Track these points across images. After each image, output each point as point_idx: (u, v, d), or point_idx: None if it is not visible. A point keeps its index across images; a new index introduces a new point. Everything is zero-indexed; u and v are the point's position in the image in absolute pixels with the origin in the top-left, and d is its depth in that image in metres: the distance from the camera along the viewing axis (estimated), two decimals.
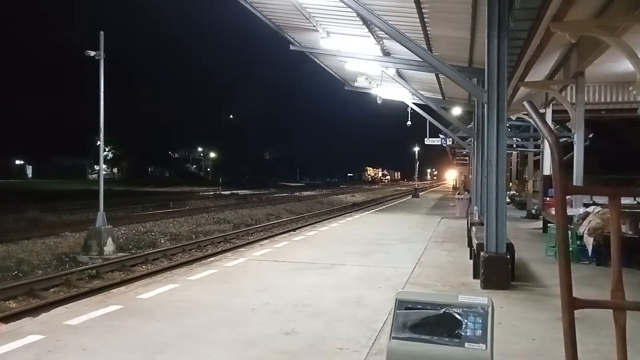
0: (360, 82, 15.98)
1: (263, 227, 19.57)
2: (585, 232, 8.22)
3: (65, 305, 5.70)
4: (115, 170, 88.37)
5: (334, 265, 8.11)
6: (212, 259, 9.60)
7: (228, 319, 4.97)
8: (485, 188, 6.93)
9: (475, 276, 6.92)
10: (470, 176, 25.31)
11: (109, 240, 12.83)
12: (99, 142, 14.85)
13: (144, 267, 11.55)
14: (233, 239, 16.24)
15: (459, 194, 23.03)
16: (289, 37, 12.98)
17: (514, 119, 19.23)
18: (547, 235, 9.92)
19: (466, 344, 2.11)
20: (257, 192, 48.24)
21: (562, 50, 11.45)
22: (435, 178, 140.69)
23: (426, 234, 12.58)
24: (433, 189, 70.62)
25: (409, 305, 2.27)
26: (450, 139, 23.91)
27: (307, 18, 10.80)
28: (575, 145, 11.98)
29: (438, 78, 15.50)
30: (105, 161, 51.98)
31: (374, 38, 11.76)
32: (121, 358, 3.93)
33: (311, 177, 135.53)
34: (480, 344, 2.10)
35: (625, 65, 10.62)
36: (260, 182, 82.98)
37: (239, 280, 6.90)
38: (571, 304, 1.42)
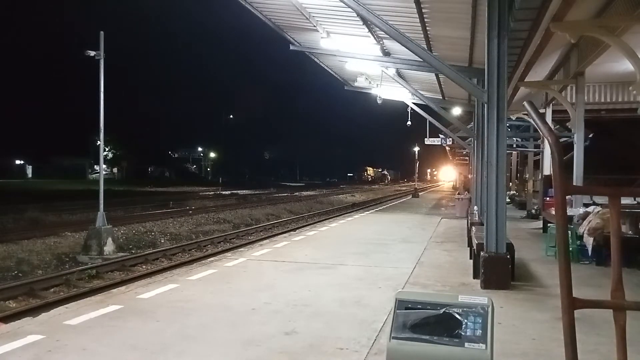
0: (360, 82, 15.99)
1: (263, 227, 19.56)
2: (585, 232, 8.21)
3: (65, 305, 5.69)
4: (115, 170, 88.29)
5: (334, 265, 8.12)
6: (212, 259, 9.59)
7: (228, 319, 4.97)
8: (485, 188, 6.92)
9: (475, 276, 6.92)
10: (470, 176, 25.32)
11: (109, 240, 12.83)
12: (99, 142, 14.85)
13: (144, 267, 11.54)
14: (233, 239, 16.23)
15: (459, 193, 23.04)
16: (289, 37, 12.98)
17: (514, 119, 19.23)
18: (547, 235, 9.92)
19: (466, 344, 2.11)
20: (257, 192, 48.23)
21: (562, 50, 11.45)
22: (435, 178, 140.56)
23: (426, 234, 12.58)
24: (433, 189, 70.61)
25: (409, 305, 2.27)
26: (450, 139, 23.92)
27: (307, 18, 10.81)
28: (575, 145, 11.97)
29: (438, 78, 15.50)
30: (105, 161, 51.96)
31: (374, 38, 11.76)
32: (121, 358, 3.93)
33: (311, 177, 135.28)
34: (480, 344, 2.10)
35: (625, 65, 10.62)
36: (260, 182, 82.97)
37: (239, 280, 6.90)
38: (571, 304, 1.42)
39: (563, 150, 1.49)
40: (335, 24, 11.31)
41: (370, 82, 16.35)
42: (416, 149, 46.27)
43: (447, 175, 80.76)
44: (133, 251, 13.56)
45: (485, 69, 6.69)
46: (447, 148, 34.27)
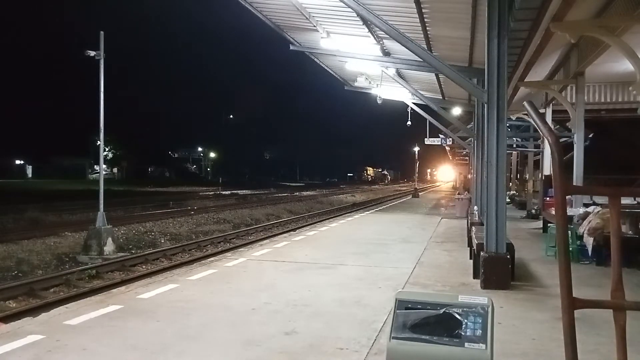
0: (360, 82, 15.99)
1: (263, 227, 19.56)
2: (585, 232, 8.21)
3: (65, 305, 5.69)
4: (115, 170, 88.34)
5: (334, 265, 8.12)
6: (212, 259, 9.59)
7: (228, 319, 4.97)
8: (485, 188, 6.92)
9: (475, 276, 6.92)
10: (470, 176, 25.33)
11: (109, 240, 12.83)
12: (99, 142, 14.85)
13: (144, 267, 11.54)
14: (233, 238, 16.23)
15: (459, 193, 23.04)
16: (289, 37, 12.98)
17: (514, 119, 19.23)
18: (547, 235, 9.92)
19: (466, 344, 2.11)
20: (257, 192, 48.25)
21: (562, 50, 11.45)
22: (434, 178, 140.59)
23: (426, 234, 12.57)
24: (433, 189, 70.63)
25: (409, 305, 2.27)
26: (450, 139, 23.92)
27: (307, 18, 10.81)
28: (575, 145, 11.97)
29: (438, 78, 15.50)
30: (105, 161, 51.95)
31: (374, 38, 11.76)
32: (121, 358, 3.93)
33: (311, 177, 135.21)
34: (480, 344, 2.10)
35: (625, 65, 10.62)
36: (260, 182, 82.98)
37: (239, 280, 6.90)
38: (571, 304, 1.42)
39: (563, 150, 1.49)
40: (335, 24, 11.31)
41: (370, 82, 16.35)
42: (416, 149, 46.28)
43: (447, 175, 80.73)
44: (133, 251, 13.56)
45: (485, 69, 6.69)
46: (447, 148, 34.29)
